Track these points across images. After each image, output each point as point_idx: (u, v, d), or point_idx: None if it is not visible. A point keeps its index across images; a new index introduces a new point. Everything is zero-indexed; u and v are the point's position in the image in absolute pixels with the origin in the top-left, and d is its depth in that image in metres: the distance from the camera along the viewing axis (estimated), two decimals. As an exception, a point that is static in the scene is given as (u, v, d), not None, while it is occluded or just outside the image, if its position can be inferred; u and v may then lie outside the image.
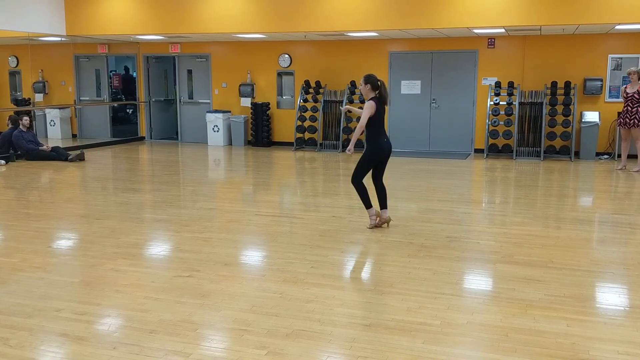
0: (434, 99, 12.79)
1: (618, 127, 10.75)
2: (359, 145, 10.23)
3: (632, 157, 10.57)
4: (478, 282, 4.69)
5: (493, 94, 12.09)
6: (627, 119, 10.01)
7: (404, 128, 13.02)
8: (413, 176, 9.72)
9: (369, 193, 6.15)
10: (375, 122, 5.94)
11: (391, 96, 12.94)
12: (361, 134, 5.99)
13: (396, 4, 10.64)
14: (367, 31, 11.25)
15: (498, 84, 12.06)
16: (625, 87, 10.14)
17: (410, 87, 12.88)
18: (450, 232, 6.06)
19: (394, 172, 10.26)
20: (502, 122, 12.01)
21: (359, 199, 6.21)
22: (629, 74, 10.04)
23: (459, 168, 10.71)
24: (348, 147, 6.01)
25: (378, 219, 6.19)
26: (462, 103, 12.60)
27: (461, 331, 3.66)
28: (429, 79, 12.75)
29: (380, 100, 5.95)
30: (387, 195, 6.25)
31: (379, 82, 5.96)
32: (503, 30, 10.88)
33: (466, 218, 6.77)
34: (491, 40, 12.24)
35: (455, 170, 10.45)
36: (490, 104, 12.02)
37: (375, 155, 6.04)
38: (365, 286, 4.58)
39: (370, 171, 6.16)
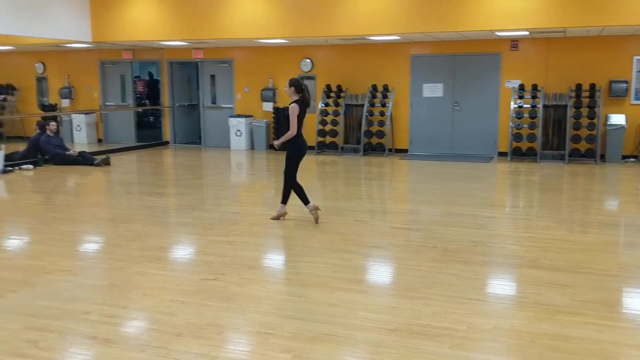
0: (456, 102, 12.73)
1: None
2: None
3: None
4: (504, 286, 4.66)
5: (516, 96, 11.98)
6: None
7: (426, 131, 12.97)
8: (436, 179, 9.67)
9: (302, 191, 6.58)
10: (298, 124, 6.37)
11: (413, 99, 12.92)
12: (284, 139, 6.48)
13: (418, 8, 10.62)
14: (389, 35, 11.25)
15: (521, 87, 11.96)
16: None
17: (432, 90, 12.83)
18: (474, 236, 6.02)
19: (417, 175, 10.23)
20: (526, 125, 11.89)
21: (297, 196, 6.57)
22: None
23: (483, 171, 10.63)
24: (277, 142, 6.61)
25: (316, 213, 6.56)
26: (485, 106, 12.52)
27: (487, 336, 3.64)
28: (451, 81, 12.69)
29: (303, 103, 6.39)
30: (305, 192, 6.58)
31: (302, 86, 6.41)
32: (527, 32, 10.79)
33: (490, 222, 6.72)
34: (514, 43, 12.14)
35: (479, 173, 10.38)
36: (513, 107, 11.91)
37: (298, 153, 6.51)
38: (389, 290, 4.57)
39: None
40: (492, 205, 7.85)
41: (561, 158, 11.68)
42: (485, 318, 3.91)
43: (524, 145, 12.01)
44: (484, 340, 3.59)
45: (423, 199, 8.11)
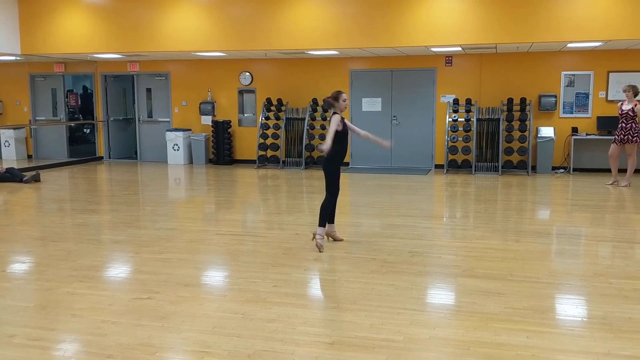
0: (394, 116, 12.94)
1: (611, 144, 10.25)
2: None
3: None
4: (440, 296, 4.72)
5: (451, 110, 12.30)
6: (621, 136, 9.97)
7: (366, 144, 13.08)
8: (375, 192, 9.77)
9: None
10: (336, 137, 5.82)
11: (353, 113, 13.06)
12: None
13: (356, 24, 10.77)
14: (328, 49, 11.34)
15: (456, 101, 12.28)
16: (621, 104, 10.04)
17: (371, 104, 13.00)
18: (412, 247, 6.10)
19: (357, 188, 10.31)
20: (460, 138, 12.21)
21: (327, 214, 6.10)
22: (625, 91, 9.90)
23: (420, 184, 10.82)
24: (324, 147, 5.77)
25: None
26: (422, 120, 12.78)
27: (424, 346, 3.67)
28: (389, 96, 12.90)
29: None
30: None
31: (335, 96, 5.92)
32: (460, 48, 11.11)
33: (428, 233, 6.82)
34: (449, 59, 12.48)
35: (417, 185, 10.56)
36: (449, 121, 12.22)
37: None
38: (328, 304, 4.55)
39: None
40: (430, 216, 7.98)
41: (495, 170, 12.04)
42: (422, 328, 3.95)
43: (459, 157, 12.32)
44: (421, 350, 3.61)
45: (363, 211, 8.17)
